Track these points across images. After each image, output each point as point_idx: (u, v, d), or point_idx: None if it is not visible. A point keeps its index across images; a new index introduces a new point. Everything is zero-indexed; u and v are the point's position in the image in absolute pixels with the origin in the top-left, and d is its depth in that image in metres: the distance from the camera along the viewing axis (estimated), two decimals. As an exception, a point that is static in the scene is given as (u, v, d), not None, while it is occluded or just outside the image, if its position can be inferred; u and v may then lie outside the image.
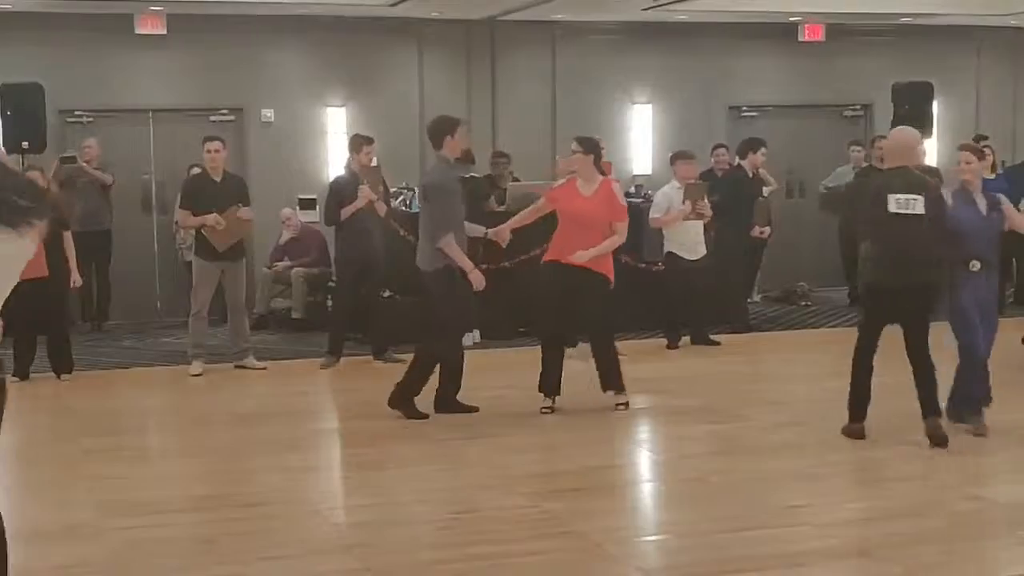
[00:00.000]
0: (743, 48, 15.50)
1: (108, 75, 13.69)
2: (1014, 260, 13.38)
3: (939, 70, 15.39)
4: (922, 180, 7.60)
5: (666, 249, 11.51)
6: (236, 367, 10.67)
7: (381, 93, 14.50)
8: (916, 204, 7.41)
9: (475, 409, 8.54)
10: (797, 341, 12.37)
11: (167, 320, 13.55)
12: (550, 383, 8.67)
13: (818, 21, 15.47)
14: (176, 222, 12.65)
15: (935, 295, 7.64)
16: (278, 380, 10.39)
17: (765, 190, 12.85)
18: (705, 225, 11.57)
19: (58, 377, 10.34)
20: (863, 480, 7.19)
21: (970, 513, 6.33)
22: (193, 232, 10.84)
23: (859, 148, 14.58)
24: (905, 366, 7.56)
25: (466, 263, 8.42)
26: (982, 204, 7.70)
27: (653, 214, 11.44)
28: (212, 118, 14.01)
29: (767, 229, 12.37)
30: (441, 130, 8.54)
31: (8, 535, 3.93)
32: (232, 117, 14.21)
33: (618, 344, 8.90)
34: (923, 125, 14.09)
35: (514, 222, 9.06)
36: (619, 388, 8.69)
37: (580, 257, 8.41)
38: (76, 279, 10.49)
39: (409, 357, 8.82)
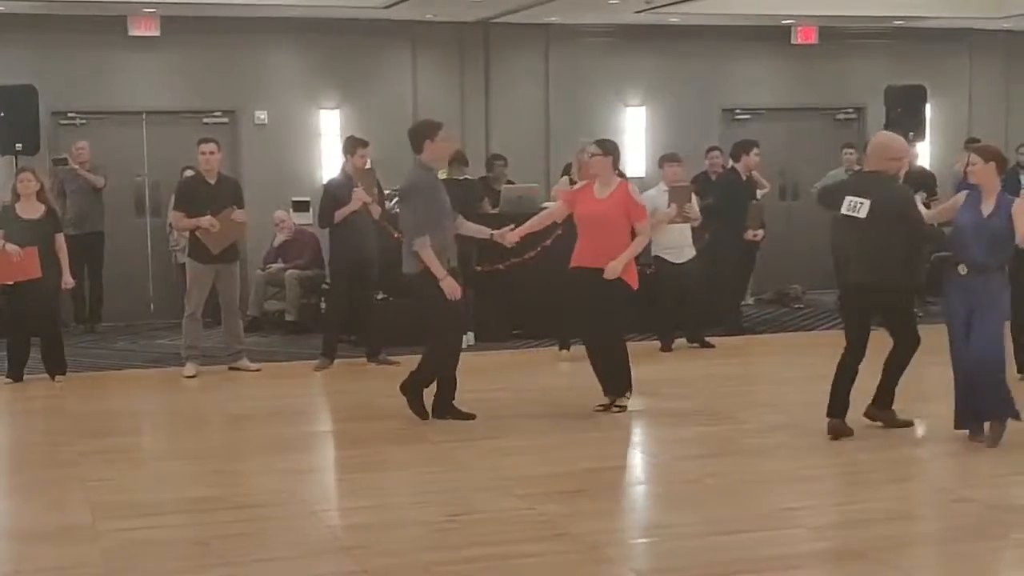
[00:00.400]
0: (736, 51, 15.53)
1: (101, 77, 13.70)
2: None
3: (932, 73, 15.46)
4: (881, 183, 7.56)
5: (652, 252, 11.50)
6: (230, 369, 10.66)
7: (375, 95, 14.49)
8: (862, 208, 7.49)
9: (472, 416, 8.51)
10: (790, 343, 12.38)
11: (160, 322, 13.54)
12: (616, 382, 8.63)
13: (811, 24, 15.51)
14: (170, 224, 12.63)
15: (893, 296, 7.67)
16: (272, 382, 10.38)
17: (759, 193, 12.86)
18: (699, 228, 11.57)
19: (52, 378, 10.30)
20: (857, 482, 7.19)
21: (965, 515, 6.33)
22: (187, 234, 10.82)
23: (852, 151, 14.52)
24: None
25: (439, 270, 8.20)
26: (987, 207, 7.40)
27: (637, 218, 11.42)
28: (205, 120, 14.00)
29: (760, 232, 12.43)
30: (421, 134, 8.44)
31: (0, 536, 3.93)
32: (225, 119, 14.19)
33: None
34: (916, 128, 14.18)
35: (526, 228, 8.90)
36: (622, 392, 8.68)
37: (613, 271, 8.36)
38: (68, 281, 10.43)
39: (405, 359, 8.80)
